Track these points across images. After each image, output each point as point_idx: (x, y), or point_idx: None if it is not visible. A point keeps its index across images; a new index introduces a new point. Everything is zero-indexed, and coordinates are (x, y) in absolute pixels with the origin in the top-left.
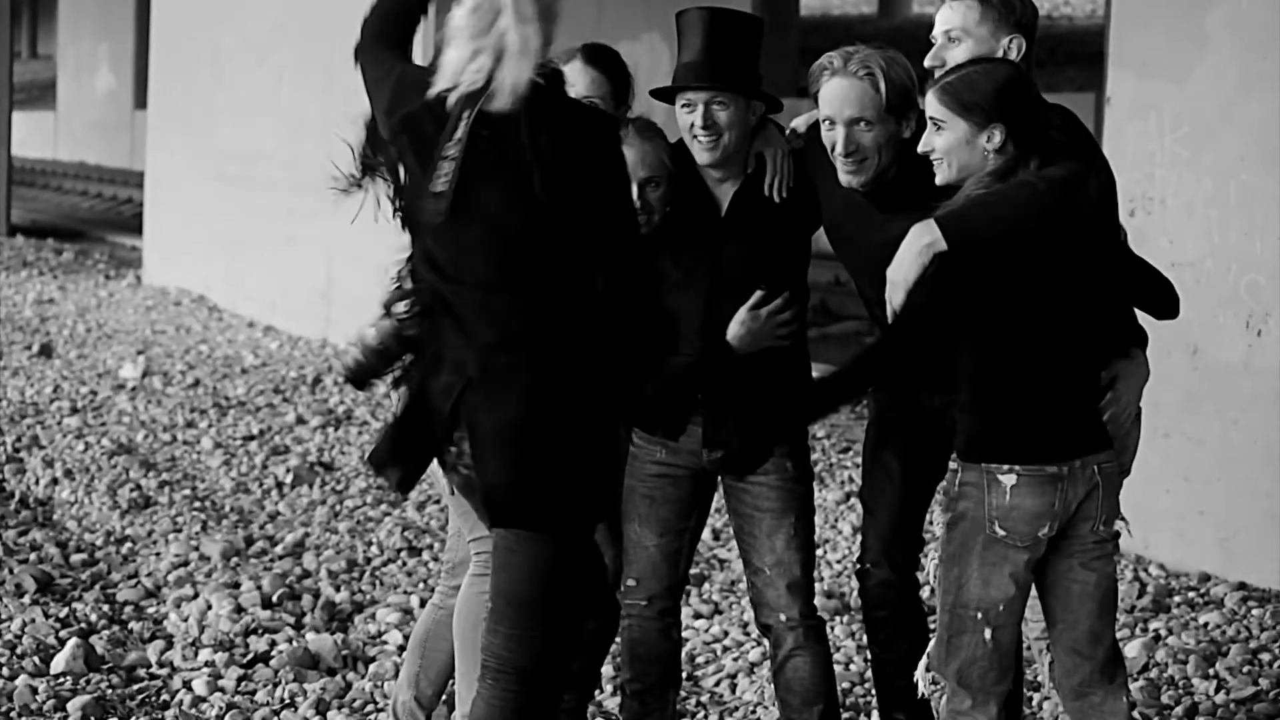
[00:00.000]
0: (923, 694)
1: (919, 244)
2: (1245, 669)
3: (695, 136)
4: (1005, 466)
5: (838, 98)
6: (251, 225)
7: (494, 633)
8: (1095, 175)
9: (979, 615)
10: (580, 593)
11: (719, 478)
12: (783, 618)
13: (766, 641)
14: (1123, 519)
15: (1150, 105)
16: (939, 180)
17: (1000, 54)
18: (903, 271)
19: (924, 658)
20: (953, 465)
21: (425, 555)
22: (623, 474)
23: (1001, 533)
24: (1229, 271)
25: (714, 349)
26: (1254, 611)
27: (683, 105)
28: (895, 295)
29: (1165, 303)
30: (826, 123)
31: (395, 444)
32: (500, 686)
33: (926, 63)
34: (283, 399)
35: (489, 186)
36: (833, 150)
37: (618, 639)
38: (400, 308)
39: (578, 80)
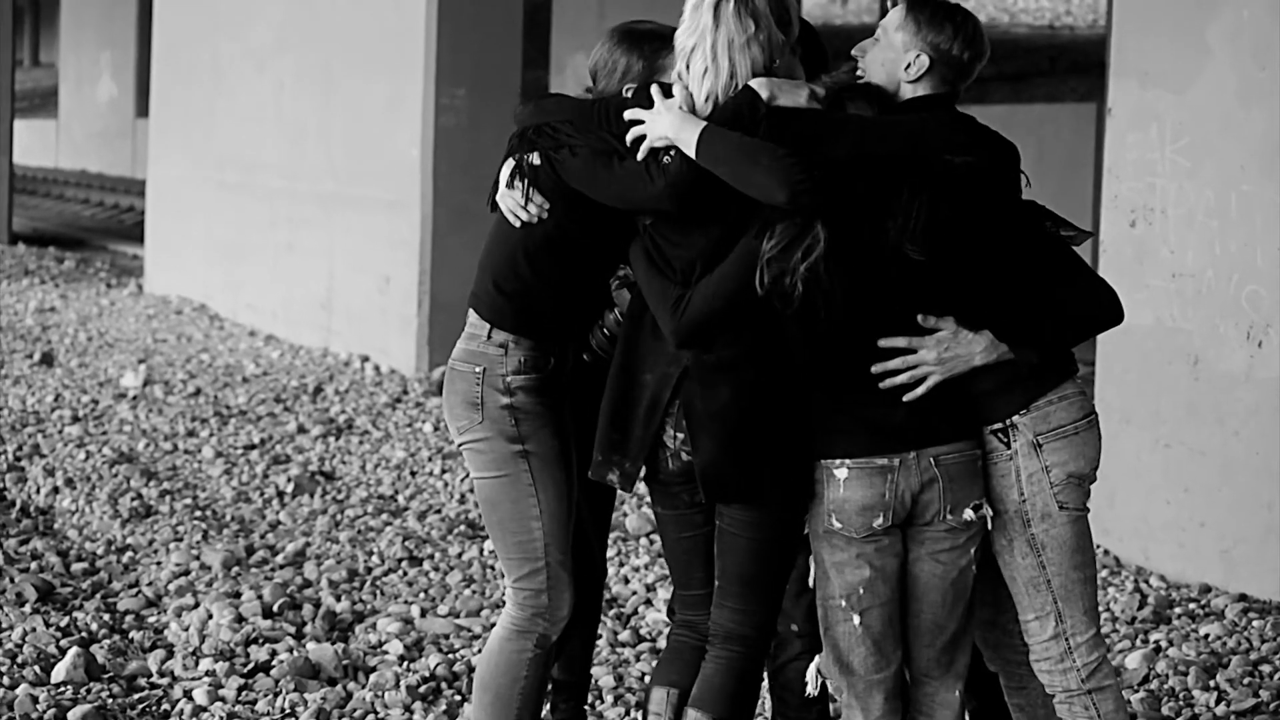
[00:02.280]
0: (810, 694)
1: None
2: (1246, 680)
3: None
4: (838, 461)
5: None
6: (253, 234)
7: (721, 607)
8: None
9: (843, 603)
10: (791, 562)
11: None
12: (794, 627)
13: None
14: (975, 506)
15: (1152, 115)
16: None
17: (904, 66)
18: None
19: (815, 659)
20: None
21: (426, 565)
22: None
23: (837, 525)
24: (1230, 282)
25: None
26: (1255, 623)
27: None
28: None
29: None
30: None
31: (610, 445)
32: (728, 652)
33: (853, 51)
34: (284, 408)
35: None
36: None
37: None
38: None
39: None
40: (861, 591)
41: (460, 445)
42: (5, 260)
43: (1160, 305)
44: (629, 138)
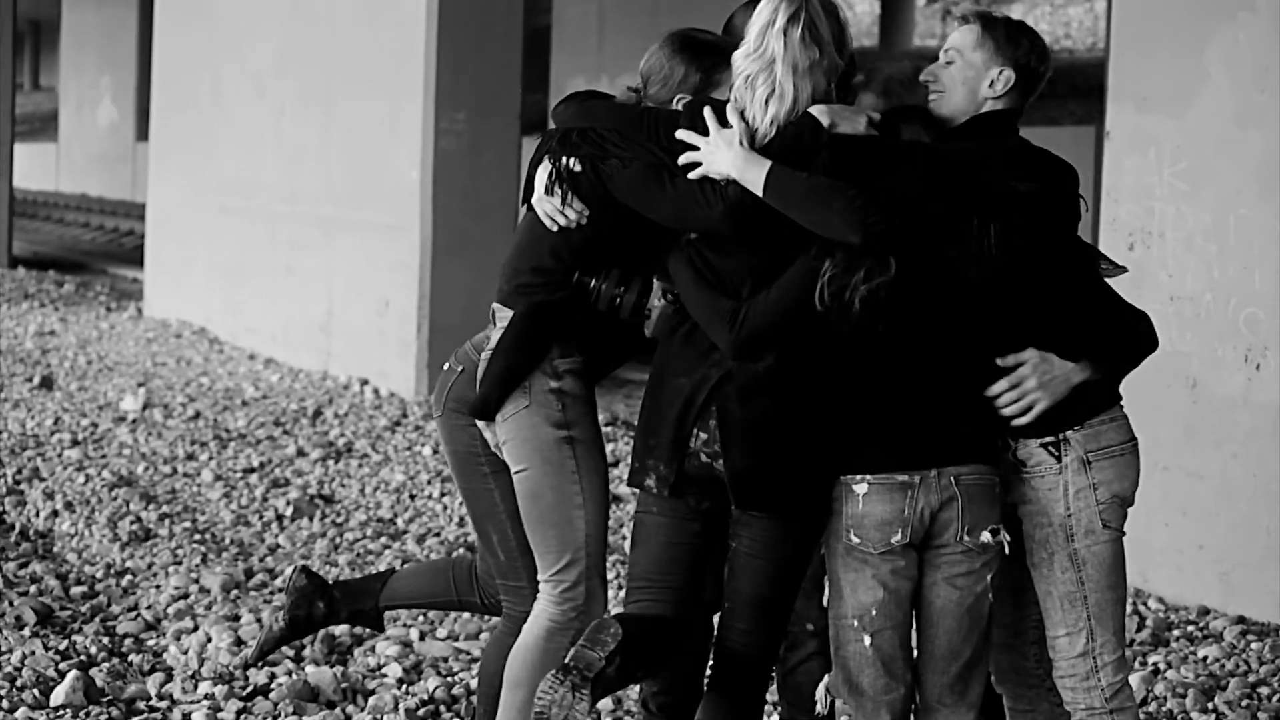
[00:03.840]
0: (820, 713)
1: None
2: (1244, 703)
3: None
4: (858, 477)
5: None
6: (252, 257)
7: (729, 629)
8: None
9: (855, 623)
10: (799, 585)
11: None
12: (810, 626)
13: (786, 640)
14: (993, 530)
15: (1150, 139)
16: None
17: (988, 83)
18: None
19: (824, 677)
20: None
21: None
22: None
23: (855, 540)
24: (1228, 305)
25: None
26: (1253, 645)
27: None
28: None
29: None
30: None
31: (645, 450)
32: (734, 675)
33: (921, 77)
34: (283, 431)
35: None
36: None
37: None
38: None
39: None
40: (874, 613)
41: (504, 441)
42: (5, 284)
43: (1159, 328)
44: (681, 160)
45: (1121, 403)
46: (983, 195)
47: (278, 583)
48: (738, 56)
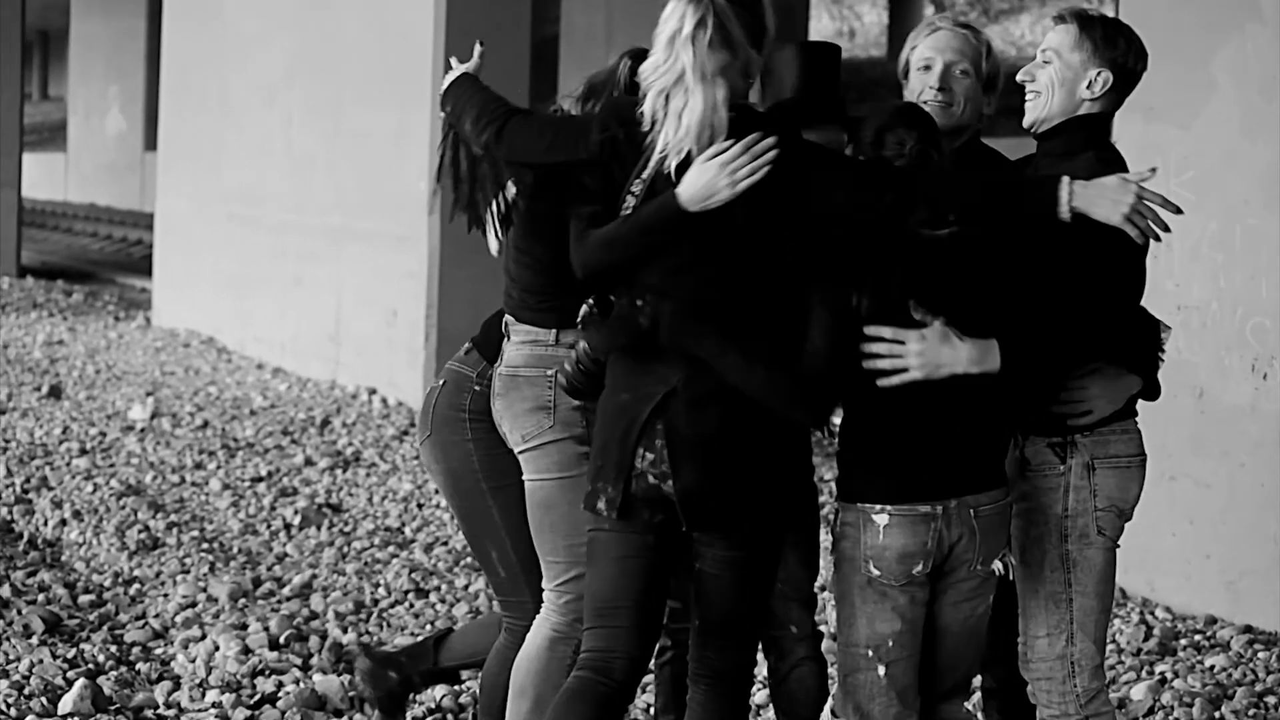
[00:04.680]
0: None
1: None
2: (1251, 712)
3: None
4: (878, 506)
5: (943, 42)
6: (260, 267)
7: (705, 647)
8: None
9: (869, 653)
10: (769, 595)
11: None
12: (794, 630)
13: (774, 648)
14: (1005, 559)
15: (1156, 148)
16: None
17: (1084, 84)
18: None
19: (829, 700)
20: (834, 504)
21: (432, 597)
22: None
23: (876, 572)
24: (1235, 315)
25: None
26: (1260, 654)
27: None
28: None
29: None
30: (923, 66)
31: (597, 472)
32: (715, 692)
33: (1019, 77)
34: (291, 441)
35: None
36: (919, 94)
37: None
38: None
39: None
40: (890, 644)
41: (523, 451)
42: (14, 293)
43: None
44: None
45: (1136, 418)
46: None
47: (285, 591)
48: (647, 68)
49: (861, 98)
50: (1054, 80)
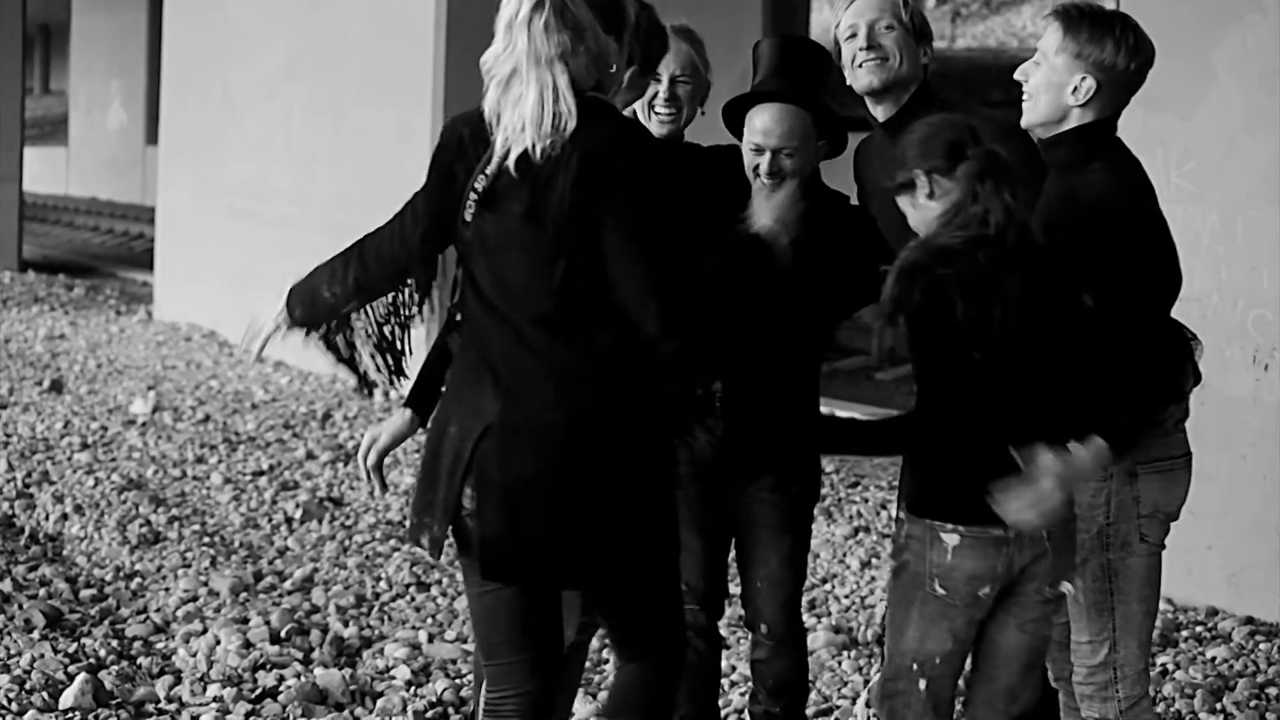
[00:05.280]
0: None
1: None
2: (1252, 703)
3: (759, 178)
4: (949, 525)
5: (860, 6)
6: (262, 261)
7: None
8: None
9: (914, 666)
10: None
11: (728, 487)
12: (763, 628)
13: (750, 634)
14: (1074, 579)
15: (1157, 140)
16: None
17: (1070, 89)
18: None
19: (865, 691)
20: (901, 515)
21: (434, 590)
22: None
23: (941, 591)
24: (1236, 306)
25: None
26: (1261, 646)
27: (751, 148)
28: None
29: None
30: (849, 34)
31: (422, 505)
32: (642, 660)
33: (1016, 76)
34: (292, 434)
35: (519, 220)
36: (853, 61)
37: None
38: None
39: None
40: (937, 661)
41: None
42: (15, 287)
43: None
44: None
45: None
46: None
47: (286, 585)
48: (487, 58)
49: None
50: (1041, 84)
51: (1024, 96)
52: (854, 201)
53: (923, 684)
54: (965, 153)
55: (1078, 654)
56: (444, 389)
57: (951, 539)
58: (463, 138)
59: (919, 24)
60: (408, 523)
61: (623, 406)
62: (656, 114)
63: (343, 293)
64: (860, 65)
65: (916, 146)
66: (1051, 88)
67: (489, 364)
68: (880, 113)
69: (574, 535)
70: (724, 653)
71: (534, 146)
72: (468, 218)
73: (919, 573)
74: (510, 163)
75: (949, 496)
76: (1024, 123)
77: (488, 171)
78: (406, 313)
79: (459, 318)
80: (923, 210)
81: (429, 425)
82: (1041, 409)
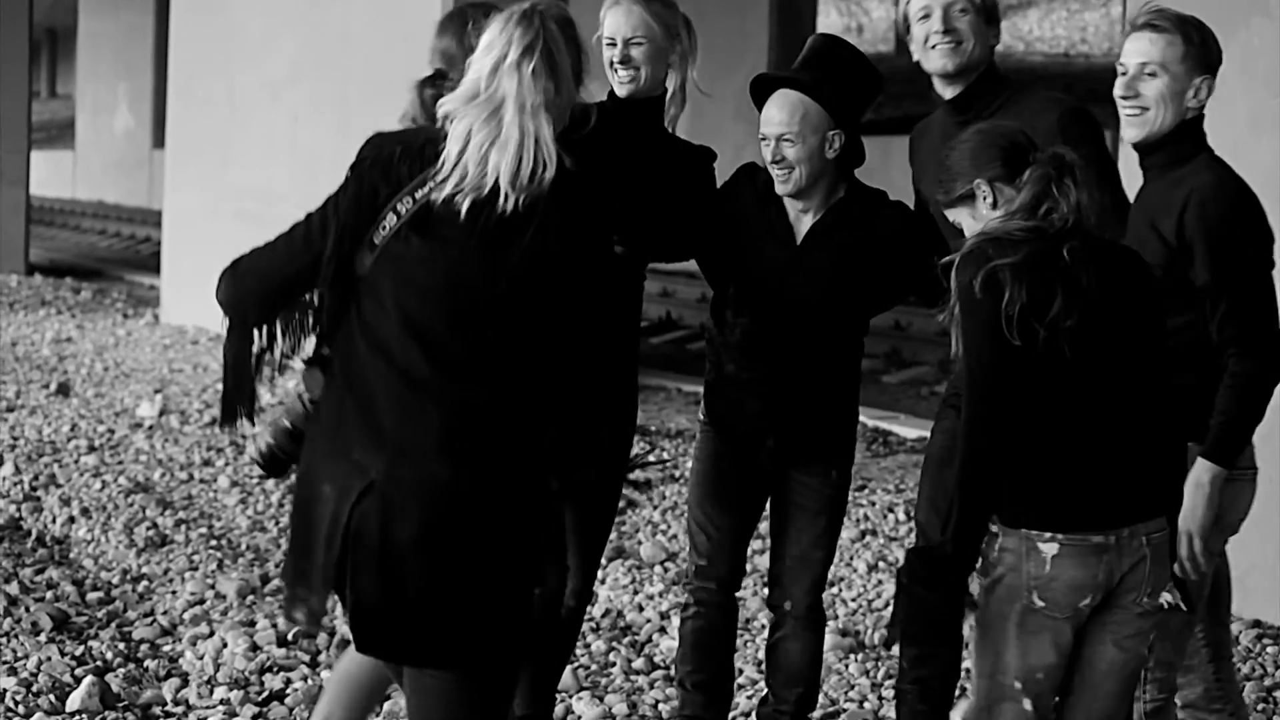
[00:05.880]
0: None
1: (1205, 491)
2: (1260, 706)
3: (771, 167)
4: (1047, 535)
5: None
6: None
7: None
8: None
9: (1018, 685)
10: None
11: (768, 474)
12: (788, 605)
13: (772, 616)
14: (1172, 590)
15: None
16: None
17: (1190, 94)
18: (1198, 521)
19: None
20: (992, 528)
21: None
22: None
23: (1040, 603)
24: None
25: None
26: (1269, 649)
27: (760, 138)
28: (1191, 545)
29: None
30: (922, 15)
31: (296, 574)
32: None
33: (1116, 92)
34: None
35: (457, 255)
36: (925, 42)
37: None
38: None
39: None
40: (1040, 677)
41: None
42: (22, 291)
43: None
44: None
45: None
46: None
47: None
48: (457, 97)
49: None
50: (1164, 95)
51: (1133, 111)
52: (896, 198)
53: (1028, 703)
54: (1028, 158)
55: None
56: (308, 440)
57: (1050, 548)
58: (393, 156)
59: (990, 6)
60: (282, 594)
61: (522, 465)
62: (616, 76)
63: (237, 319)
64: (934, 47)
65: (971, 157)
66: (1175, 97)
67: (373, 413)
68: (948, 93)
69: (457, 608)
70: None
71: (505, 196)
72: (377, 240)
73: (1015, 586)
74: (465, 198)
75: (1044, 504)
76: (1135, 137)
77: (417, 196)
78: (296, 338)
79: (324, 355)
80: (984, 221)
81: (296, 483)
82: (1133, 409)
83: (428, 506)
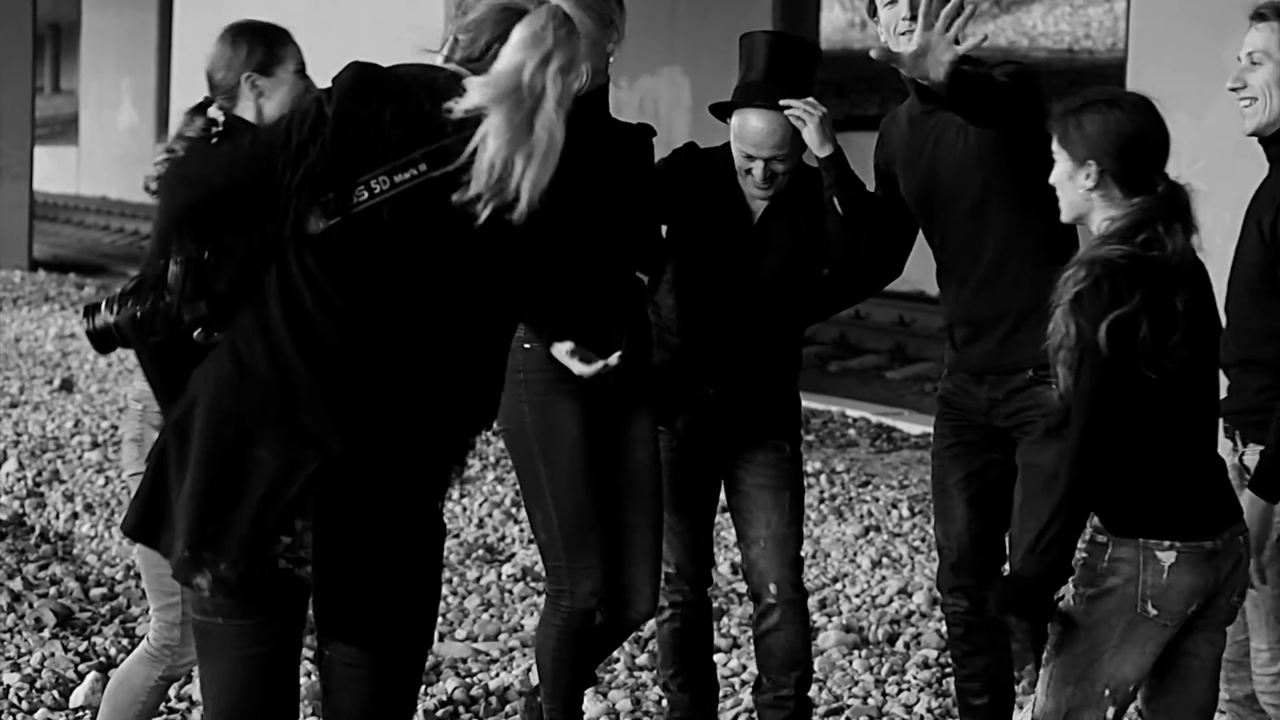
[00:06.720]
0: None
1: (1263, 519)
2: None
3: (750, 179)
4: (1166, 543)
5: None
6: None
7: None
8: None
9: (1107, 693)
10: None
11: (719, 462)
12: (772, 589)
13: (753, 605)
14: (1251, 586)
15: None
16: None
17: None
18: (1261, 538)
19: (1024, 713)
20: (1100, 539)
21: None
22: None
23: (1154, 612)
24: None
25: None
26: None
27: (743, 155)
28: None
29: None
30: (888, 2)
31: (202, 538)
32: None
33: (1228, 85)
34: None
35: (420, 217)
36: (894, 29)
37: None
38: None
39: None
40: (1131, 687)
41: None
42: (26, 287)
43: None
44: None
45: None
46: None
47: None
48: (484, 91)
49: (871, 89)
50: (1270, 83)
51: (1244, 102)
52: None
53: (1111, 712)
54: (1154, 183)
55: (1256, 661)
56: (219, 386)
57: (1168, 556)
58: (382, 118)
59: None
60: (176, 556)
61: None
62: None
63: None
64: (903, 34)
65: (1103, 137)
66: None
67: (327, 379)
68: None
69: (421, 589)
70: (734, 653)
71: (527, 204)
72: (363, 197)
73: (1129, 595)
74: (485, 206)
75: (1160, 513)
76: (1253, 126)
77: (397, 180)
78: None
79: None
80: (1071, 195)
81: (192, 425)
82: (1217, 413)
83: (394, 486)
